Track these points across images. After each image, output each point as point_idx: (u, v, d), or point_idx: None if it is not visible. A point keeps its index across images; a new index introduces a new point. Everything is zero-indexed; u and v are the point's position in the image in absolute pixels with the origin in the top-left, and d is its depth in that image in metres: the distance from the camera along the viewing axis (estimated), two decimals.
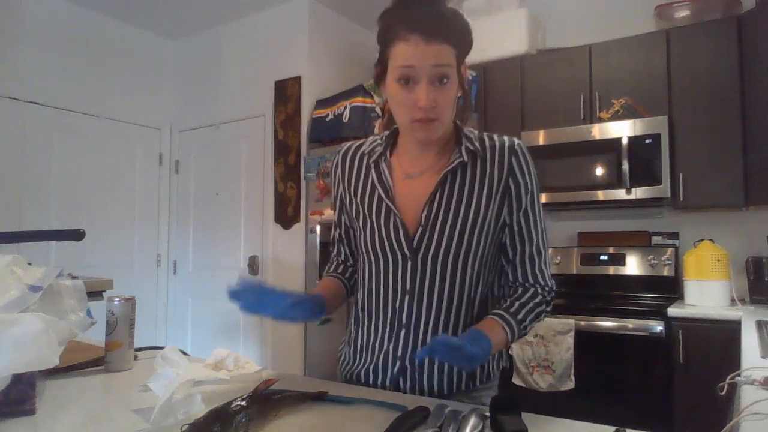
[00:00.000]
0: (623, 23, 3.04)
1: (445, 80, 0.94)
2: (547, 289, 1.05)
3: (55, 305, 1.09)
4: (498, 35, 3.17)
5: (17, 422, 0.87)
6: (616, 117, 2.81)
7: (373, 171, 1.08)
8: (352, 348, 1.14)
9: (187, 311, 4.06)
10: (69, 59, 3.56)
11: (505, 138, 1.05)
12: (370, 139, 1.13)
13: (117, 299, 1.24)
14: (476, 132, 1.08)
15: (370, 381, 1.09)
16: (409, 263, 1.02)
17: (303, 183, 3.45)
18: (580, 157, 2.85)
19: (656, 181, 2.65)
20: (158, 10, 3.70)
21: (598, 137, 2.80)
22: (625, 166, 2.71)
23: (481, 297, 1.05)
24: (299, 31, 3.55)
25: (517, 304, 1.01)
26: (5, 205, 3.22)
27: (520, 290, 1.04)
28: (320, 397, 0.98)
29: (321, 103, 3.49)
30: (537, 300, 1.03)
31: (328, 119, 3.40)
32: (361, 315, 1.12)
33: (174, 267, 4.15)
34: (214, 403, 0.81)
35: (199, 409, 0.82)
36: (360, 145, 1.13)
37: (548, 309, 1.05)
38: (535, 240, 1.04)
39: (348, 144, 1.16)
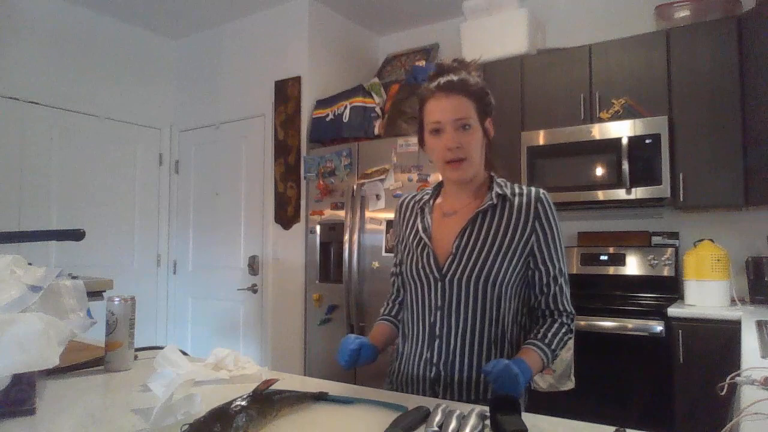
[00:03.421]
0: (623, 23, 3.04)
1: (467, 127, 1.18)
2: (571, 316, 1.25)
3: (55, 305, 1.09)
4: (498, 35, 3.17)
5: (17, 422, 0.87)
6: (616, 117, 2.81)
7: (419, 214, 1.33)
8: (398, 360, 1.32)
9: (187, 311, 4.06)
10: (69, 59, 3.56)
11: (532, 188, 1.26)
12: (424, 190, 1.40)
13: (117, 299, 1.24)
14: (508, 182, 1.29)
15: (411, 387, 1.25)
16: (440, 284, 1.22)
17: (303, 183, 3.45)
18: (580, 157, 2.85)
19: (656, 181, 2.65)
20: (158, 9, 3.70)
21: (598, 137, 2.80)
22: (625, 166, 2.71)
23: (504, 318, 1.21)
24: (299, 31, 3.55)
25: (549, 335, 1.20)
26: (5, 205, 3.22)
27: (549, 321, 1.23)
28: (320, 397, 0.98)
29: (321, 103, 3.49)
30: (564, 330, 1.23)
31: (328, 119, 3.40)
32: (406, 330, 1.31)
33: (174, 267, 4.15)
34: (214, 403, 0.81)
35: (199, 409, 0.82)
36: (415, 196, 1.40)
37: (571, 335, 1.25)
38: (558, 272, 1.23)
39: (406, 195, 1.43)
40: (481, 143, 1.22)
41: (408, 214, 1.37)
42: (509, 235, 1.20)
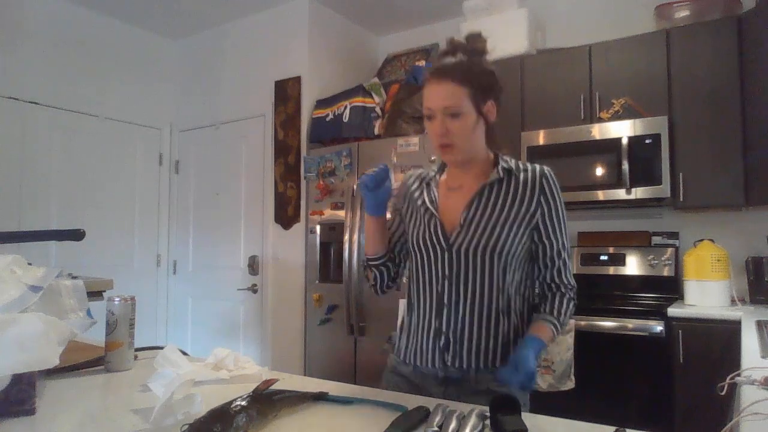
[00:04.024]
0: (623, 23, 3.04)
1: (456, 115, 1.20)
2: (574, 290, 1.30)
3: (55, 305, 1.09)
4: (498, 35, 3.13)
5: (17, 422, 0.87)
6: (616, 117, 2.81)
7: (425, 188, 1.37)
8: (405, 333, 1.34)
9: (187, 311, 4.06)
10: (69, 59, 3.56)
11: (537, 165, 1.29)
12: (430, 168, 1.43)
13: (117, 299, 1.24)
14: (512, 159, 1.31)
15: (418, 359, 1.27)
16: (446, 255, 1.25)
17: (303, 183, 3.45)
18: (580, 157, 2.85)
19: (656, 181, 2.65)
20: (158, 10, 3.70)
21: (598, 137, 2.80)
22: (625, 166, 2.71)
23: (508, 288, 1.24)
24: (299, 31, 3.55)
25: (556, 308, 1.25)
26: (5, 205, 3.22)
27: (556, 295, 1.28)
28: (320, 397, 0.98)
29: (321, 103, 3.49)
30: (571, 303, 1.28)
31: (328, 119, 3.40)
32: (413, 301, 1.33)
33: (174, 267, 4.15)
34: (214, 403, 0.81)
35: (199, 409, 0.82)
36: (421, 173, 1.43)
37: (575, 303, 1.30)
38: (562, 247, 1.27)
39: (411, 172, 1.46)
40: (472, 128, 1.22)
41: (416, 187, 1.40)
42: (515, 208, 1.23)
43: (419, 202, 1.35)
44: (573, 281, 1.29)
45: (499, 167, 1.27)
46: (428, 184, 1.37)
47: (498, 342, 1.22)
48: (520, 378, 1.07)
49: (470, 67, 1.23)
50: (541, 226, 1.25)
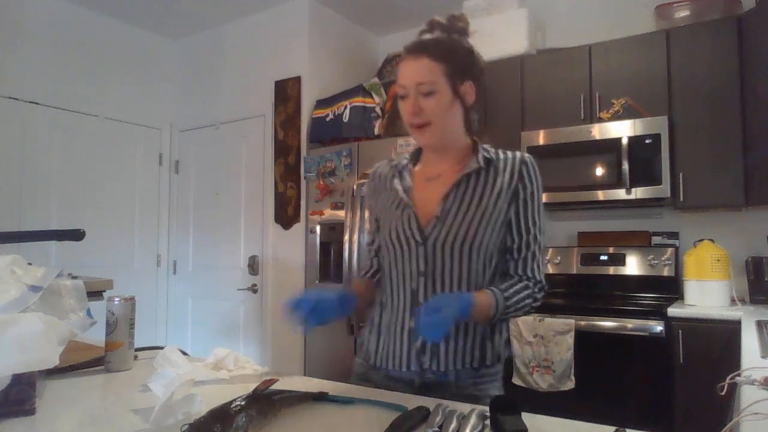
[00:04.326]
0: (623, 23, 3.04)
1: (431, 93, 1.13)
2: (539, 285, 1.17)
3: (55, 305, 1.09)
4: (498, 35, 3.16)
5: (17, 422, 0.87)
6: (616, 117, 2.81)
7: (397, 177, 1.27)
8: (375, 334, 1.24)
9: (187, 311, 4.06)
10: (69, 59, 3.56)
11: (518, 152, 1.22)
12: (401, 155, 1.34)
13: (117, 299, 1.24)
14: (492, 148, 1.24)
15: (392, 362, 1.18)
16: (422, 249, 1.16)
17: (303, 183, 3.45)
18: (580, 157, 2.85)
19: (656, 181, 2.65)
20: (158, 10, 3.70)
21: (598, 137, 2.80)
22: (625, 166, 2.71)
23: (489, 282, 1.16)
24: (299, 31, 3.55)
25: (506, 285, 1.14)
26: (5, 205, 3.22)
27: (515, 279, 1.17)
28: (320, 397, 0.98)
29: (321, 103, 3.49)
30: (527, 291, 1.15)
31: (328, 119, 3.40)
32: (384, 299, 1.24)
33: (174, 267, 4.15)
34: (214, 403, 0.81)
35: (199, 409, 0.82)
36: (391, 161, 1.34)
37: (534, 305, 1.17)
38: (532, 237, 1.17)
39: (380, 163, 1.36)
40: (447, 107, 1.15)
41: (384, 179, 1.30)
42: (494, 199, 1.16)
43: (392, 194, 1.25)
44: (540, 276, 1.18)
45: (479, 156, 1.19)
46: (401, 173, 1.27)
47: (477, 341, 1.15)
48: (423, 320, 0.97)
49: (448, 44, 1.17)
50: (513, 215, 1.16)
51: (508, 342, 1.22)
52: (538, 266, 1.18)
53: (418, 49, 1.15)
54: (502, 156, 1.20)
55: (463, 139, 1.22)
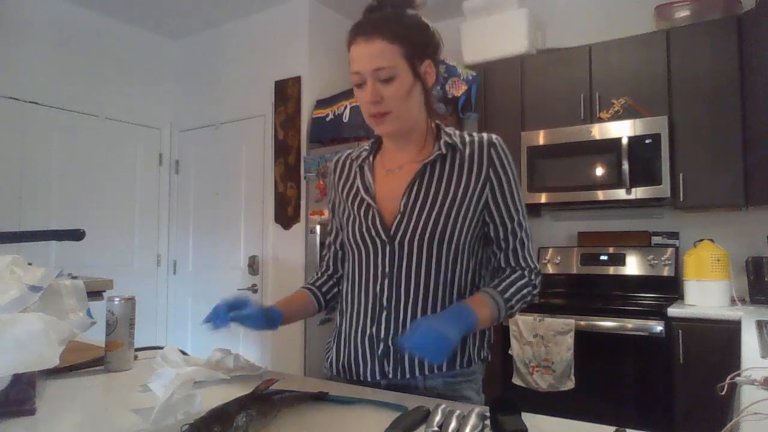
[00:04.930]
0: (623, 23, 3.04)
1: (390, 78, 1.03)
2: (534, 272, 1.11)
3: (55, 305, 1.09)
4: (498, 35, 3.17)
5: (17, 422, 0.87)
6: (616, 117, 2.81)
7: (358, 173, 1.19)
8: (336, 341, 1.19)
9: (187, 311, 4.06)
10: (69, 59, 3.56)
11: (484, 134, 1.12)
12: (360, 146, 1.24)
13: (117, 299, 1.24)
14: (457, 131, 1.15)
15: (353, 371, 1.13)
16: (387, 248, 1.09)
17: (303, 183, 3.45)
18: (580, 157, 2.85)
19: (656, 181, 2.65)
20: (158, 10, 3.69)
21: (598, 137, 2.80)
22: (625, 166, 2.71)
23: (459, 281, 1.09)
24: (299, 31, 3.55)
25: (504, 283, 1.07)
26: (5, 205, 3.22)
27: (507, 271, 1.10)
28: (320, 397, 0.98)
29: (321, 103, 3.49)
30: (524, 281, 1.08)
31: (328, 119, 3.40)
32: (345, 305, 1.18)
33: (174, 267, 4.15)
34: (214, 403, 0.81)
35: (199, 409, 0.82)
36: (350, 153, 1.25)
37: (535, 292, 1.10)
38: (517, 224, 1.10)
39: (340, 153, 1.27)
40: (409, 92, 1.05)
41: (345, 173, 1.22)
42: (462, 187, 1.07)
43: (353, 191, 1.17)
44: (534, 263, 1.11)
45: (442, 142, 1.10)
46: (361, 168, 1.18)
47: None
48: (410, 341, 0.90)
49: (402, 20, 1.06)
50: (492, 203, 1.08)
51: (489, 341, 1.15)
52: (530, 253, 1.11)
53: (369, 29, 1.04)
54: (468, 139, 1.12)
55: (425, 124, 1.13)
